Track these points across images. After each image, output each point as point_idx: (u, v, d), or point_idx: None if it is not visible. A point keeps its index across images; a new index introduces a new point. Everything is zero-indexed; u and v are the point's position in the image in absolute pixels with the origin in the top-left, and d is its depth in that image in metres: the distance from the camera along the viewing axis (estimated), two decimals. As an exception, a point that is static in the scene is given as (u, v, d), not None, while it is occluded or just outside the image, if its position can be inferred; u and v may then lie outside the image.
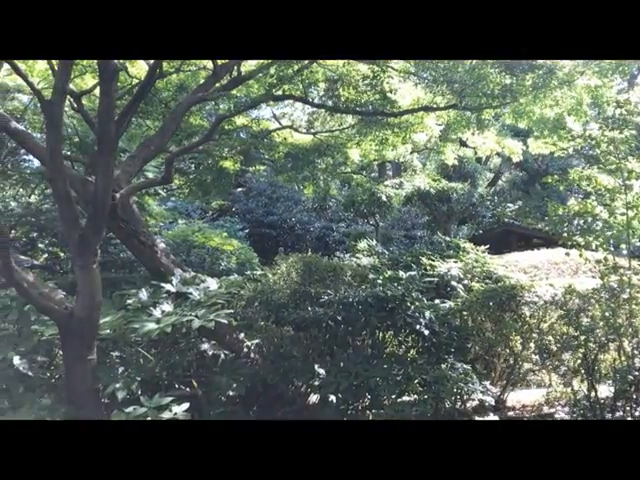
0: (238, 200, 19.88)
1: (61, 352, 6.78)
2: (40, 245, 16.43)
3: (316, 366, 6.82)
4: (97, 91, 9.32)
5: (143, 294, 7.42)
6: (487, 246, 10.17)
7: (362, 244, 12.75)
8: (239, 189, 19.65)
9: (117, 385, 6.44)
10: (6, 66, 7.38)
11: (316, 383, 6.71)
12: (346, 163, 13.35)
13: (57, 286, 7.56)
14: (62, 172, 5.99)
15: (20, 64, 7.20)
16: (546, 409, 7.41)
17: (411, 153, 13.16)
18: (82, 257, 6.23)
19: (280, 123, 12.49)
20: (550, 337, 7.37)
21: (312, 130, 12.47)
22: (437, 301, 7.72)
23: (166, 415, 5.84)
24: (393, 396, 6.79)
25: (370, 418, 6.65)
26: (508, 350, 7.62)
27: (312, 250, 11.57)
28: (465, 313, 7.70)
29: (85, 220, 6.34)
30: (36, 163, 18.24)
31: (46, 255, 16.36)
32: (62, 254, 16.36)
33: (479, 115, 10.51)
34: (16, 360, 6.11)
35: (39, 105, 13.13)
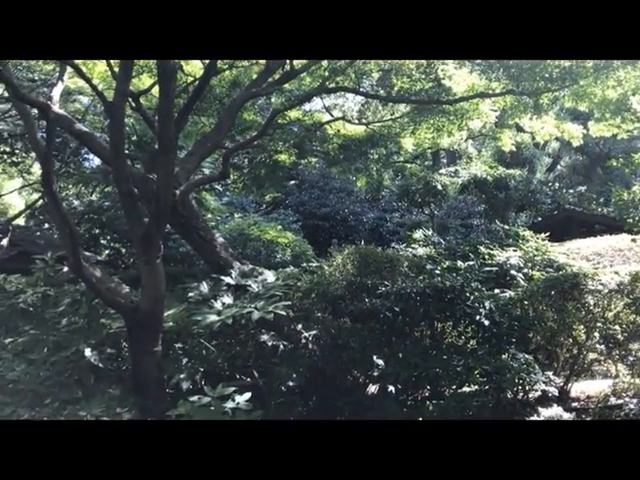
0: (291, 193, 20.01)
1: (128, 344, 7.05)
2: (102, 242, 17.08)
3: (374, 357, 6.83)
4: (154, 90, 9.59)
5: (204, 287, 7.61)
6: (547, 233, 9.90)
7: (418, 234, 12.64)
8: (292, 182, 19.78)
9: (181, 376, 6.65)
10: (68, 69, 7.68)
11: (375, 374, 6.73)
12: (399, 152, 13.23)
13: (121, 281, 7.87)
14: (125, 171, 6.21)
15: (81, 66, 7.46)
16: (613, 400, 7.18)
17: (466, 140, 12.91)
18: (146, 252, 6.45)
19: (331, 115, 12.45)
20: (616, 326, 7.13)
21: (364, 120, 12.41)
22: (497, 291, 7.59)
23: (229, 405, 5.99)
24: (453, 387, 6.74)
25: (430, 409, 6.62)
26: (571, 340, 7.41)
27: (365, 241, 11.56)
28: (526, 302, 7.53)
29: (148, 217, 6.56)
30: (97, 162, 18.97)
31: (108, 251, 17.00)
32: (123, 250, 16.96)
33: (537, 99, 10.22)
34: (87, 352, 6.38)
35: (100, 106, 13.64)
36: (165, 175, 6.11)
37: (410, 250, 9.47)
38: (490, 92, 9.84)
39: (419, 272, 7.57)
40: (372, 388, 7.94)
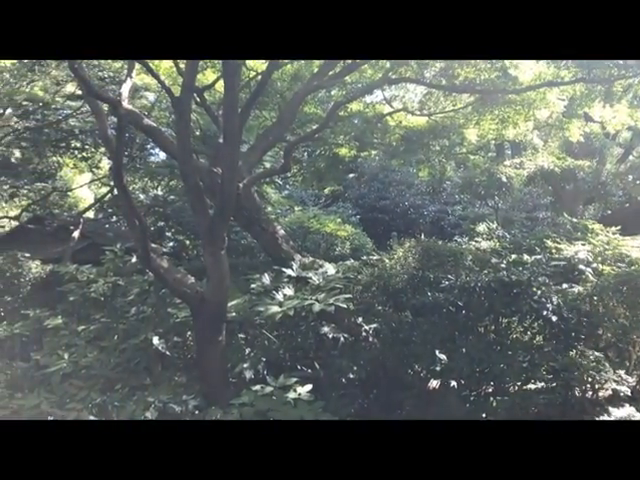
0: (350, 186, 19.95)
1: (193, 333, 7.25)
2: (167, 234, 17.60)
3: (437, 352, 6.74)
4: (217, 85, 9.78)
5: (266, 279, 7.72)
6: (618, 227, 9.46)
7: (481, 227, 12.36)
8: (351, 175, 19.72)
9: (244, 365, 6.78)
10: (136, 66, 7.92)
11: (437, 369, 6.63)
12: (462, 144, 12.95)
13: (186, 272, 8.09)
14: (192, 165, 6.36)
15: (149, 63, 7.66)
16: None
17: (532, 131, 12.49)
18: (211, 244, 6.60)
19: (391, 106, 12.32)
20: (695, 324, 6.77)
21: (426, 112, 12.21)
22: (565, 286, 7.32)
23: (291, 395, 6.07)
24: (518, 383, 6.57)
25: (494, 405, 6.49)
26: (645, 338, 7.09)
27: (426, 234, 11.38)
28: (595, 298, 7.23)
29: (213, 209, 6.70)
30: (162, 157, 19.54)
31: (172, 243, 17.51)
32: (187, 242, 17.42)
33: (609, 87, 9.76)
34: (155, 340, 6.61)
35: (165, 102, 14.02)
36: (229, 168, 6.21)
37: (473, 244, 9.25)
38: (559, 80, 9.48)
39: (483, 266, 7.40)
40: (433, 383, 7.84)
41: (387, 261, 8.17)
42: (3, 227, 18.16)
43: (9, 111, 13.30)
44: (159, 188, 19.65)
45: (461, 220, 18.22)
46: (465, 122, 11.35)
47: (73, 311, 8.33)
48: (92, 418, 5.84)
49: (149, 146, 19.80)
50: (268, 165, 13.29)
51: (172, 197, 17.62)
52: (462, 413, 6.19)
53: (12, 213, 17.51)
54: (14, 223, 16.28)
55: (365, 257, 8.84)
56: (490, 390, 6.92)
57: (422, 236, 9.51)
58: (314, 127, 9.71)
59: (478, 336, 7.06)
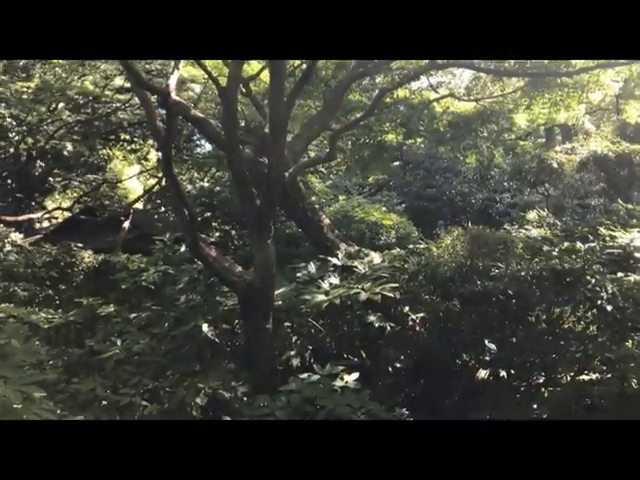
0: (395, 174, 19.76)
1: (241, 321, 7.34)
2: (213, 224, 17.86)
3: (486, 341, 6.63)
4: (262, 75, 9.81)
5: (312, 267, 7.75)
6: (678, 213, 9.09)
7: (531, 215, 12.05)
8: (396, 163, 19.53)
9: (291, 353, 6.83)
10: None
11: (486, 358, 6.52)
12: (511, 129, 12.65)
13: (233, 261, 8.19)
14: (239, 154, 6.41)
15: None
16: None
17: (584, 115, 12.07)
18: (258, 233, 6.66)
19: (437, 92, 12.09)
20: None
21: (472, 97, 11.94)
22: (620, 274, 7.07)
23: (338, 383, 6.09)
24: (571, 374, 6.41)
25: (545, 395, 6.34)
26: None
27: (473, 223, 11.17)
28: (653, 287, 6.97)
29: (259, 199, 6.75)
30: (208, 148, 19.82)
31: (218, 233, 17.76)
32: (233, 232, 17.64)
33: (667, 67, 9.34)
34: (205, 327, 6.72)
35: (211, 93, 14.18)
36: (275, 158, 6.24)
37: (523, 231, 9.02)
38: (614, 62, 9.11)
39: (534, 254, 7.20)
40: (482, 373, 7.73)
41: (434, 250, 8.06)
42: (56, 218, 18.79)
43: (61, 105, 13.69)
44: (205, 179, 19.96)
45: (510, 208, 17.82)
46: (515, 107, 11.05)
47: (125, 299, 8.55)
48: (144, 403, 5.99)
49: (195, 137, 20.13)
50: (313, 154, 13.30)
51: (218, 188, 17.87)
52: (512, 404, 6.07)
53: (65, 204, 18.09)
54: (67, 214, 16.83)
55: (411, 246, 8.75)
56: (541, 381, 6.77)
57: (469, 224, 9.34)
58: (359, 115, 9.62)
59: (529, 325, 6.90)
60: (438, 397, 7.88)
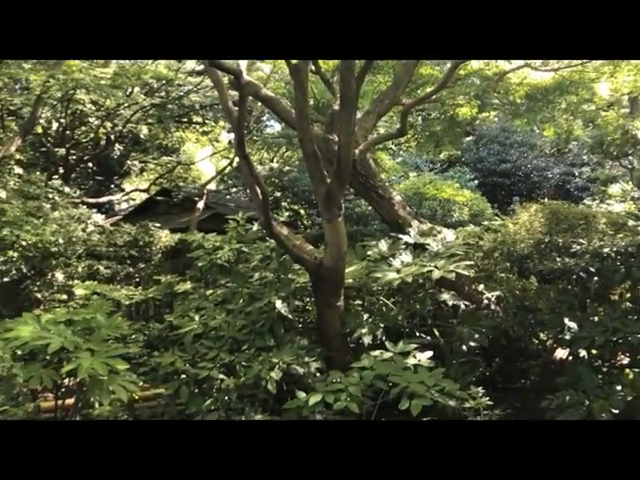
0: (468, 149, 19.22)
1: (313, 298, 7.41)
2: (283, 204, 18.07)
3: (566, 320, 6.39)
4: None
5: (383, 245, 7.69)
6: None
7: (614, 189, 11.45)
8: (469, 138, 18.99)
9: (363, 330, 6.83)
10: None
11: (566, 337, 6.28)
12: (592, 100, 11.98)
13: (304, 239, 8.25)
14: (309, 132, 6.40)
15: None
16: None
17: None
18: (329, 211, 6.65)
19: (510, 62, 11.57)
20: None
21: (550, 67, 11.37)
22: None
23: (411, 361, 6.05)
24: (659, 355, 6.09)
25: (630, 377, 6.05)
26: None
27: (550, 198, 10.76)
28: None
29: (330, 177, 6.73)
30: (277, 128, 19.98)
31: (288, 213, 17.95)
32: (302, 211, 17.79)
33: None
34: (278, 304, 6.82)
35: (280, 73, 14.22)
36: (346, 134, 6.18)
37: (605, 206, 8.60)
38: None
39: (618, 230, 6.85)
40: (561, 352, 7.48)
41: (511, 226, 7.82)
42: (134, 200, 19.55)
43: (137, 89, 14.11)
44: (275, 159, 20.17)
45: (589, 182, 17.01)
46: (597, 76, 10.42)
47: (201, 277, 8.80)
48: (221, 377, 6.17)
49: (265, 118, 20.34)
50: (382, 131, 13.12)
51: (287, 168, 18.02)
52: (593, 384, 5.83)
53: (142, 186, 18.75)
54: (144, 195, 17.45)
55: (486, 222, 8.51)
56: (626, 361, 6.48)
57: (546, 200, 8.98)
58: (431, 89, 9.37)
59: (612, 304, 6.59)
60: (514, 377, 7.71)
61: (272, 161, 20.06)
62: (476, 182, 16.94)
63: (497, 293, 7.74)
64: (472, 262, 7.29)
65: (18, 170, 10.84)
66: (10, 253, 8.25)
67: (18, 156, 10.89)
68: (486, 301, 7.90)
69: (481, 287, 8.00)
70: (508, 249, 7.41)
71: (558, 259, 6.63)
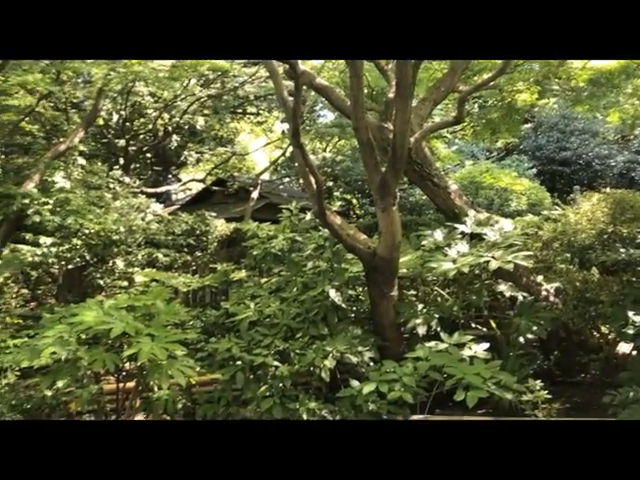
0: (526, 137, 18.66)
1: (367, 288, 7.39)
2: (335, 193, 18.07)
3: (630, 313, 6.15)
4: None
5: (438, 235, 7.58)
6: None
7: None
8: (527, 125, 18.43)
9: (417, 321, 6.78)
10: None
11: (630, 331, 6.05)
12: (660, 84, 11.44)
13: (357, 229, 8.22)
14: (364, 120, 6.37)
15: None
16: None
17: None
18: (383, 200, 6.61)
19: (574, 47, 11.11)
20: None
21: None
22: None
23: (467, 352, 5.97)
24: None
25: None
26: None
27: (613, 187, 10.30)
28: None
29: (385, 165, 6.68)
30: (330, 118, 19.97)
31: (340, 203, 17.96)
32: (354, 201, 17.75)
33: None
34: (332, 293, 6.84)
35: (334, 62, 14.16)
36: (402, 122, 6.11)
37: (673, 195, 8.19)
38: None
39: (688, 219, 6.55)
40: (624, 347, 7.22)
41: (572, 216, 7.57)
42: (190, 190, 19.97)
43: (193, 81, 14.36)
44: (327, 149, 20.18)
45: (656, 170, 16.27)
46: (667, 58, 9.90)
47: (255, 265, 8.92)
48: (276, 364, 6.25)
49: (318, 108, 20.36)
50: (437, 119, 12.91)
51: (340, 157, 18.00)
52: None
53: (198, 176, 19.13)
54: (200, 185, 17.79)
55: (546, 212, 8.27)
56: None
57: (608, 189, 8.64)
58: (488, 75, 9.14)
59: (682, 297, 6.31)
60: (573, 370, 7.50)
61: (325, 151, 20.09)
62: (534, 171, 16.43)
63: (556, 284, 7.53)
64: (531, 252, 7.11)
65: (81, 161, 11.24)
66: (74, 241, 8.57)
67: (81, 147, 11.26)
68: (545, 293, 7.69)
69: (540, 278, 7.80)
70: (569, 239, 7.19)
71: (622, 250, 6.38)
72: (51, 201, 8.93)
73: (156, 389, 6.09)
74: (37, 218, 8.53)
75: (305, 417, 5.78)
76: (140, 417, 6.48)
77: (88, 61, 10.46)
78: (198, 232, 11.53)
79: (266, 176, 18.90)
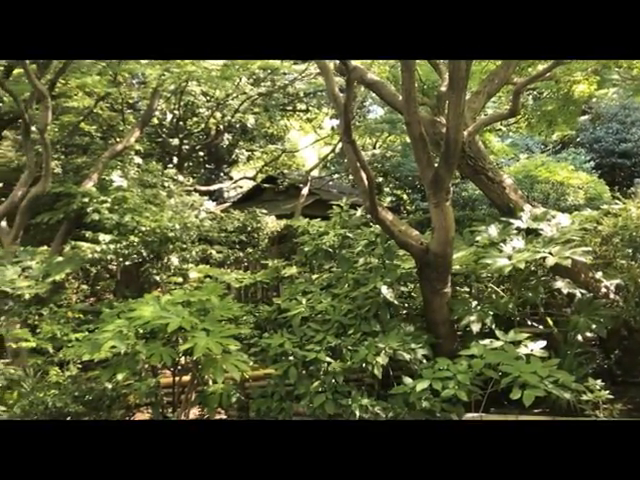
0: (584, 129, 18.04)
1: (419, 284, 7.31)
2: (385, 189, 17.94)
3: (698, 312, 5.87)
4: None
5: (492, 230, 7.44)
6: None
7: None
8: (584, 117, 17.79)
9: (471, 318, 6.67)
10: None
11: (697, 331, 5.78)
12: None
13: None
14: (417, 115, 6.29)
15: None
16: None
17: None
18: (436, 195, 6.52)
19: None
20: None
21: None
22: None
23: (523, 350, 5.83)
24: None
25: None
26: None
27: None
28: None
29: (438, 160, 6.59)
30: (379, 113, 19.83)
31: (390, 198, 17.81)
32: (405, 196, 17.58)
33: None
34: (384, 289, 6.81)
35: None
36: (455, 116, 6.01)
37: None
38: None
39: None
40: (692, 347, 6.92)
41: (633, 210, 7.28)
42: (241, 187, 20.24)
43: (244, 80, 14.51)
44: (377, 145, 20.06)
45: None
46: None
47: (306, 261, 8.97)
48: (328, 360, 6.27)
49: (367, 103, 20.26)
50: (490, 112, 12.65)
51: (390, 153, 17.85)
52: None
53: (249, 174, 19.35)
54: (251, 183, 18.00)
55: (605, 206, 7.98)
56: None
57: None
58: (544, 66, 8.87)
59: None
60: (636, 370, 7.24)
61: (374, 147, 19.98)
62: (592, 164, 15.87)
63: (617, 281, 7.26)
64: (589, 248, 6.89)
65: (137, 160, 11.54)
66: (132, 238, 8.80)
67: (137, 147, 11.56)
68: (604, 289, 7.43)
69: (599, 275, 7.54)
70: (630, 234, 6.93)
71: (690, 245, 6.09)
72: (109, 199, 9.21)
73: (211, 383, 6.21)
74: (96, 216, 8.81)
75: (358, 413, 5.78)
76: (195, 410, 6.63)
77: (143, 62, 10.72)
78: (249, 229, 11.67)
79: (316, 173, 18.94)
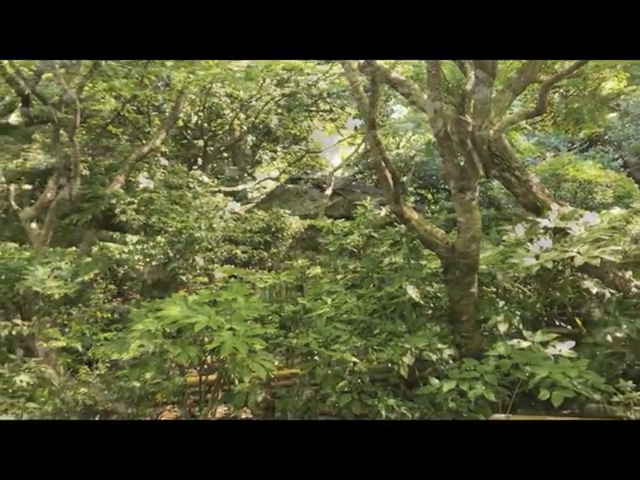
0: (612, 127, 17.74)
1: (445, 284, 7.27)
2: (410, 189, 17.87)
3: None
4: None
5: (519, 229, 7.35)
6: None
7: None
8: (612, 114, 17.49)
9: (498, 318, 6.61)
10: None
11: None
12: None
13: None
14: (442, 114, 6.26)
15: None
16: None
17: None
18: (462, 195, 6.48)
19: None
20: None
21: None
22: None
23: (551, 351, 5.76)
24: None
25: None
26: None
27: None
28: None
29: (463, 159, 6.54)
30: (403, 112, 19.74)
31: (414, 198, 17.72)
32: (429, 196, 17.48)
33: None
34: (409, 289, 6.78)
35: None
36: (481, 114, 5.99)
37: None
38: None
39: None
40: None
41: (665, 208, 7.14)
42: (265, 188, 20.33)
43: (268, 81, 14.59)
44: (400, 144, 19.99)
45: None
46: None
47: (330, 261, 8.98)
48: (354, 360, 6.26)
49: (391, 102, 20.19)
50: (516, 110, 12.49)
51: (413, 152, 17.78)
52: None
53: (273, 174, 19.43)
54: (275, 183, 18.07)
55: (635, 205, 7.84)
56: None
57: None
58: (572, 63, 8.73)
59: None
60: (669, 372, 7.08)
61: (398, 147, 19.92)
62: (621, 161, 15.61)
63: (648, 281, 7.12)
64: (619, 247, 6.76)
65: (163, 162, 11.69)
66: (159, 238, 8.92)
67: (163, 148, 11.73)
68: (635, 289, 7.28)
69: (628, 274, 7.39)
70: (662, 233, 6.78)
71: None
72: (136, 201, 9.35)
73: (237, 382, 6.25)
74: (123, 217, 8.96)
75: (384, 414, 5.76)
76: (221, 409, 6.69)
77: (168, 64, 10.85)
78: (274, 229, 11.73)
79: (339, 173, 18.95)
